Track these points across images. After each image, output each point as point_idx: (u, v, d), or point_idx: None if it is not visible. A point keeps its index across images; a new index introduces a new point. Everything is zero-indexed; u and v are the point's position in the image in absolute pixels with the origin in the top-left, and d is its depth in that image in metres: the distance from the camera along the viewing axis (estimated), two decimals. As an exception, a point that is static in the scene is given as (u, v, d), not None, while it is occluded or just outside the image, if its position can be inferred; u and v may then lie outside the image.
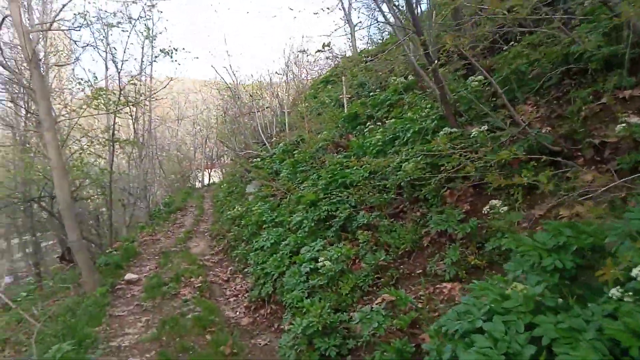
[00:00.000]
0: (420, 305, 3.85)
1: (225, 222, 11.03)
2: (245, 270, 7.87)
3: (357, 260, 4.99)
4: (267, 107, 18.94)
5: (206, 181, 34.14)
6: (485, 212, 3.81)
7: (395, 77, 10.48)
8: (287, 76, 21.29)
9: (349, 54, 20.25)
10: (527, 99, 5.31)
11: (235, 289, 7.25)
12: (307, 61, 21.58)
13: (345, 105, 10.81)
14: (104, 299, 6.75)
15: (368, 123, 8.52)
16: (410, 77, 9.12)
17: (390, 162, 5.29)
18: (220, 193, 16.41)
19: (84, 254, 7.52)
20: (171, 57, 10.39)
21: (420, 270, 4.47)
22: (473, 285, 2.81)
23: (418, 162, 4.91)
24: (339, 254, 4.73)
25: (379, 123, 8.27)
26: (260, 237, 7.20)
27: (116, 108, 9.35)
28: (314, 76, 23.26)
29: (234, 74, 19.31)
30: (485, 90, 5.89)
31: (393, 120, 7.78)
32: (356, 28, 18.28)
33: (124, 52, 10.08)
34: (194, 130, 31.28)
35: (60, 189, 7.39)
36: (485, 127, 4.56)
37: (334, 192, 6.21)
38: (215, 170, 35.40)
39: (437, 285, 4.05)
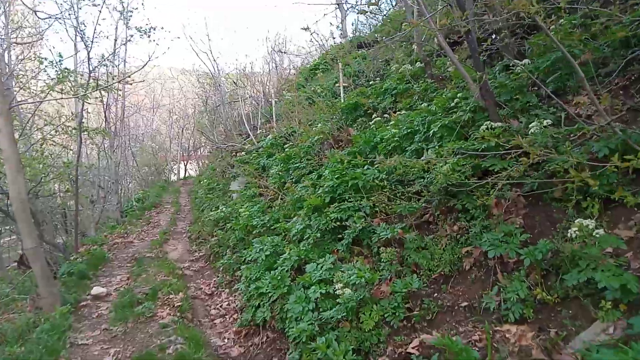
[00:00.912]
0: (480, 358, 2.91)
1: (206, 224, 9.93)
2: (233, 283, 6.85)
3: (381, 286, 4.02)
4: (249, 97, 17.77)
5: (182, 174, 32.67)
6: (572, 234, 2.88)
7: (397, 64, 9.54)
8: (269, 65, 20.16)
9: (338, 41, 19.24)
10: (580, 89, 4.43)
11: (221, 307, 6.21)
12: (290, 50, 20.49)
13: (342, 95, 9.81)
14: (64, 320, 5.61)
15: (374, 115, 7.54)
16: (418, 65, 8.17)
17: (421, 163, 4.31)
18: (200, 189, 15.21)
19: (42, 264, 6.33)
20: (148, 36, 9.18)
21: (465, 303, 3.53)
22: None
23: (456, 163, 3.96)
24: (360, 278, 3.75)
25: (386, 115, 7.31)
26: (251, 246, 6.16)
27: (85, 92, 8.10)
28: (297, 65, 22.17)
29: (215, 60, 17.99)
30: (521, 78, 4.96)
31: (404, 112, 6.86)
32: (347, 12, 17.23)
33: (94, 30, 8.79)
34: (170, 120, 29.76)
35: (13, 185, 6.17)
36: (549, 121, 3.63)
37: (343, 196, 5.22)
38: (191, 163, 33.96)
39: (497, 328, 3.12)
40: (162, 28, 9.47)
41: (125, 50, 15.42)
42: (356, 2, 19.47)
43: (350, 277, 3.87)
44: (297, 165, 8.23)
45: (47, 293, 6.26)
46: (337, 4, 17.18)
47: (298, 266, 5.07)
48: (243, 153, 11.93)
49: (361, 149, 6.55)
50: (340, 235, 5.02)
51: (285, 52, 20.15)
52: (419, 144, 5.13)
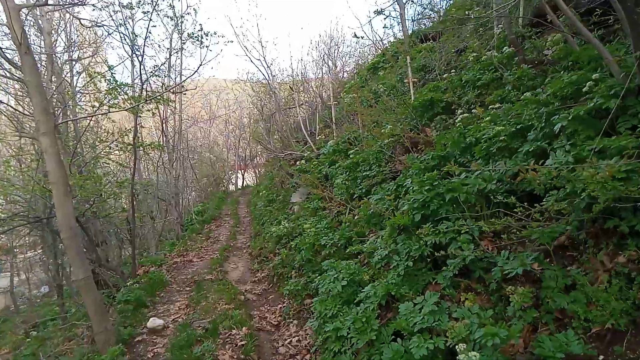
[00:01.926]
0: None
1: (268, 240, 9.14)
2: (301, 313, 5.94)
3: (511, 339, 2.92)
4: (305, 102, 17.00)
5: (240, 184, 32.61)
6: None
7: (475, 53, 8.33)
8: (322, 70, 19.32)
9: (396, 37, 18.08)
10: None
11: (290, 343, 5.31)
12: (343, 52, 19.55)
13: (412, 92, 8.71)
14: (116, 362, 4.94)
15: (458, 111, 6.41)
16: (506, 50, 6.94)
17: (552, 169, 3.16)
18: (258, 201, 14.57)
19: (94, 297, 5.74)
20: (201, 42, 8.55)
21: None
22: None
23: (618, 169, 2.79)
24: (492, 337, 2.67)
25: (473, 110, 6.15)
26: (322, 271, 5.23)
27: (135, 105, 7.57)
28: (350, 67, 21.18)
29: (269, 67, 17.40)
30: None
31: (498, 105, 5.69)
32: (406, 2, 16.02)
33: (145, 38, 8.27)
34: (227, 131, 29.72)
35: (61, 210, 5.62)
36: None
37: (438, 213, 4.16)
38: (248, 172, 33.88)
39: None
40: (215, 33, 8.77)
41: (181, 62, 15.14)
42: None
43: (471, 331, 2.81)
44: (367, 173, 7.25)
45: (100, 328, 5.65)
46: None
47: (388, 304, 4.06)
48: (302, 161, 11.09)
49: (448, 153, 5.46)
50: (437, 264, 3.97)
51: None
52: (537, 143, 3.97)
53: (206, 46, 8.30)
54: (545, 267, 3.12)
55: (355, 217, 6.68)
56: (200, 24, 8.71)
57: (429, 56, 11.07)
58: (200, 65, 7.81)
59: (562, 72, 5.37)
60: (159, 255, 11.19)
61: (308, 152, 11.79)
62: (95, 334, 5.68)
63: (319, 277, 5.84)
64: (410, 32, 15.96)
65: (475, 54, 8.31)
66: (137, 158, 9.29)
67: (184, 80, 9.70)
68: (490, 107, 5.74)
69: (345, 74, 20.90)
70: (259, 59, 17.15)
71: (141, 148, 9.72)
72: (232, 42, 13.76)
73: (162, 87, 11.13)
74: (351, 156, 8.46)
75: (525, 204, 3.45)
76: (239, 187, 31.41)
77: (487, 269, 3.59)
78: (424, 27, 16.11)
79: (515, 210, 3.65)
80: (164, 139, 14.66)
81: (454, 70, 8.55)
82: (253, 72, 38.56)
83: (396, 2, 16.37)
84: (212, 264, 9.28)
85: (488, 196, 4.08)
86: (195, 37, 8.86)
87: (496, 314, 3.12)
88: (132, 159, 8.63)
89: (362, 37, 18.42)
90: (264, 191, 14.20)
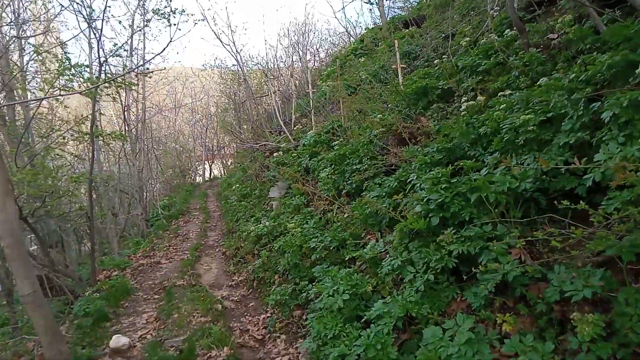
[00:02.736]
0: None
1: (245, 239, 8.37)
2: (290, 326, 5.25)
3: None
4: (278, 89, 16.15)
5: (207, 175, 31.42)
6: None
7: (468, 38, 7.78)
8: (291, 58, 18.47)
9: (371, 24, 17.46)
10: None
11: (279, 363, 4.62)
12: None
13: (400, 79, 8.09)
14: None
15: (463, 98, 5.82)
16: (509, 32, 6.39)
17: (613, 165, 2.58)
18: (230, 194, 13.69)
19: (44, 314, 4.85)
20: (168, 20, 7.60)
21: None
22: None
23: None
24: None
25: (478, 98, 5.56)
26: (318, 284, 4.55)
27: (94, 88, 6.61)
28: (323, 56, 20.45)
29: (239, 52, 16.41)
30: None
31: (509, 92, 5.13)
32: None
33: (104, 10, 7.22)
34: (193, 120, 28.45)
35: (2, 213, 4.71)
36: None
37: (460, 216, 3.53)
38: (216, 163, 32.71)
39: None
40: (184, 11, 7.83)
41: (144, 45, 13.92)
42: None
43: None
44: (357, 167, 6.58)
45: (53, 351, 4.78)
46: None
47: (405, 327, 3.42)
48: (279, 152, 10.33)
49: (455, 145, 4.86)
50: (460, 276, 3.36)
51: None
52: (576, 134, 3.40)
53: (174, 24, 7.37)
54: (615, 288, 2.54)
55: (347, 216, 6.02)
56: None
57: (414, 42, 10.50)
58: (170, 41, 6.84)
59: (581, 55, 4.85)
60: (122, 255, 10.23)
61: (285, 143, 11.04)
62: (46, 358, 4.82)
63: (309, 286, 5.20)
64: (388, 18, 15.38)
65: (467, 39, 7.77)
66: (96, 149, 8.28)
67: (149, 60, 8.72)
68: (500, 94, 5.17)
69: (317, 63, 20.17)
70: (228, 44, 16.18)
71: (100, 138, 8.72)
72: (203, 20, 12.59)
73: (123, 69, 10.10)
74: (336, 148, 7.80)
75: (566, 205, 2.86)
76: (207, 178, 30.22)
77: (528, 285, 3.00)
78: (402, 13, 15.57)
79: (557, 212, 3.08)
80: (126, 128, 13.53)
81: (445, 56, 7.97)
82: (222, 59, 37.21)
83: (374, -14, 15.75)
84: (183, 265, 8.43)
85: (519, 197, 3.50)
86: (162, 14, 7.90)
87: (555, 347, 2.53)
88: (90, 150, 7.61)
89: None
90: (236, 185, 13.33)
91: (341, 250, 5.35)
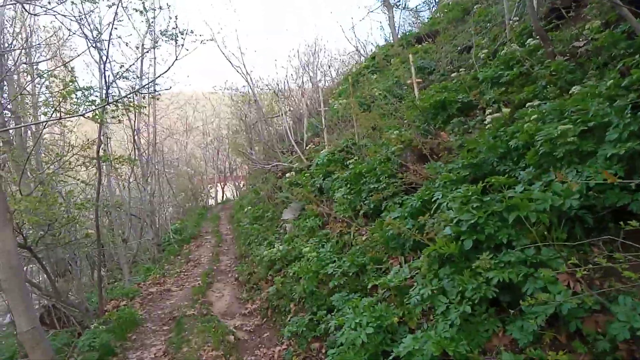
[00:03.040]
0: None
1: (258, 264, 8.01)
2: (307, 359, 4.85)
3: None
4: (290, 110, 15.97)
5: (220, 197, 31.22)
6: None
7: (487, 50, 7.49)
8: (301, 79, 18.31)
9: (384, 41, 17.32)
10: None
11: (298, 404, 4.20)
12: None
13: (416, 93, 7.79)
14: None
15: (487, 110, 5.48)
16: (532, 42, 6.08)
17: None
18: (242, 217, 13.38)
19: (44, 350, 4.54)
20: (175, 41, 7.43)
21: None
22: None
23: None
24: None
25: (504, 109, 5.21)
26: (338, 315, 4.18)
27: (98, 109, 6.41)
28: (334, 75, 20.29)
29: (249, 74, 16.28)
30: None
31: (537, 103, 4.79)
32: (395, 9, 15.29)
33: (110, 34, 7.05)
34: (205, 142, 28.43)
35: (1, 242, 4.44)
36: None
37: (497, 239, 3.16)
38: (228, 185, 32.56)
39: None
40: (192, 32, 7.68)
41: (154, 68, 13.86)
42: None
43: None
44: (374, 186, 6.24)
45: (53, 392, 4.44)
46: (383, 1, 15.27)
47: (442, 366, 3.02)
48: (292, 173, 10.03)
49: (482, 160, 4.50)
50: (499, 304, 2.96)
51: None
52: (625, 144, 3.03)
53: (181, 45, 7.18)
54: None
55: (365, 239, 5.65)
56: (175, 20, 7.47)
57: (427, 57, 10.25)
58: (176, 59, 6.60)
59: (614, 62, 4.52)
60: (132, 282, 9.91)
61: (297, 163, 10.75)
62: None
63: (328, 316, 4.81)
64: (399, 35, 15.21)
65: (486, 51, 7.48)
66: (103, 174, 8.05)
67: (155, 80, 8.53)
68: (528, 104, 4.82)
69: (328, 82, 20.04)
70: (238, 66, 16.07)
71: (108, 162, 8.51)
72: (212, 40, 12.41)
73: (133, 94, 9.96)
74: (351, 166, 7.47)
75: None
76: (219, 201, 30.03)
77: (584, 318, 2.60)
78: (413, 29, 15.40)
79: (606, 232, 2.70)
80: (137, 152, 13.38)
81: (462, 69, 7.67)
82: (232, 82, 37.42)
83: (384, 5, 15.65)
84: (194, 293, 8.07)
85: (562, 215, 3.13)
86: (170, 35, 7.74)
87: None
88: (98, 175, 7.37)
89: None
90: (248, 207, 13.02)
91: (361, 276, 4.98)
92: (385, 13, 15.70)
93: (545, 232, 3.06)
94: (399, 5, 16.01)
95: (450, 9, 12.51)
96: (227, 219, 19.48)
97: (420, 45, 11.61)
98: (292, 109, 16.30)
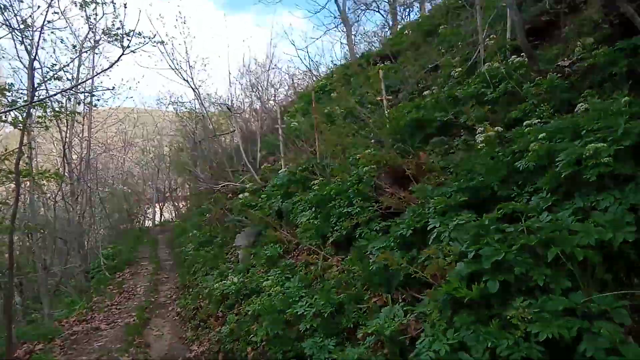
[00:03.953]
0: None
1: (206, 298, 7.01)
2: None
3: None
4: (241, 127, 15.10)
5: (158, 219, 29.29)
6: None
7: (459, 69, 7.14)
8: (252, 97, 17.58)
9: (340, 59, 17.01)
10: None
11: None
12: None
13: (387, 111, 7.27)
14: None
15: (480, 129, 4.94)
16: (516, 58, 5.73)
17: None
18: (186, 241, 12.18)
19: None
20: (121, 42, 6.47)
21: None
22: None
23: None
24: None
25: (497, 128, 4.72)
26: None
27: (25, 118, 5.30)
28: (284, 95, 19.73)
29: (197, 89, 15.17)
30: None
31: (536, 122, 4.35)
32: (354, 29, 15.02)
33: (42, 26, 5.95)
34: (144, 160, 26.70)
35: None
36: None
37: (528, 279, 2.53)
38: (167, 206, 30.66)
39: None
40: (140, 34, 6.74)
41: (92, 80, 12.41)
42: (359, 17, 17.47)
43: None
44: (346, 210, 5.54)
45: None
46: (342, 19, 14.97)
47: None
48: (245, 194, 9.14)
49: (479, 183, 3.93)
50: None
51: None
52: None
53: (128, 47, 6.23)
54: None
55: (339, 272, 4.91)
56: (119, 20, 6.48)
57: (392, 76, 9.88)
58: (123, 53, 5.64)
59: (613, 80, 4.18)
60: (53, 317, 8.47)
61: (251, 183, 9.88)
62: None
63: None
64: (357, 54, 14.93)
65: (459, 69, 7.12)
66: (24, 190, 6.78)
67: (99, 74, 7.41)
68: (525, 123, 4.36)
69: (279, 101, 19.44)
70: (186, 80, 14.98)
71: (29, 179, 7.25)
72: (161, 43, 11.28)
73: (66, 101, 8.76)
74: (316, 188, 6.76)
75: None
76: (157, 222, 28.14)
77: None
78: (373, 49, 15.16)
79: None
80: (67, 167, 11.91)
81: (435, 88, 7.26)
82: (178, 96, 35.74)
83: (342, 23, 15.36)
84: (128, 332, 6.88)
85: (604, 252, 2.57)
86: (114, 35, 6.77)
87: None
88: (16, 192, 6.12)
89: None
90: (193, 230, 11.86)
91: (337, 317, 4.21)
92: (343, 31, 15.41)
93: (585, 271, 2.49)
94: (358, 22, 15.81)
95: (413, 29, 12.39)
96: (166, 242, 18.03)
97: (382, 65, 11.26)
98: (244, 126, 15.44)
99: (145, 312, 8.04)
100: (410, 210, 4.45)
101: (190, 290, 8.60)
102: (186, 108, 18.74)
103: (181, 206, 28.97)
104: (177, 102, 18.55)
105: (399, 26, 16.81)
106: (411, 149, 5.88)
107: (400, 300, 3.83)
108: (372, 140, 7.12)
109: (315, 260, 5.52)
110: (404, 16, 19.54)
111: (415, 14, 18.83)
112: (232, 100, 15.31)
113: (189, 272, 9.39)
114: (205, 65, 14.58)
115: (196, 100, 15.63)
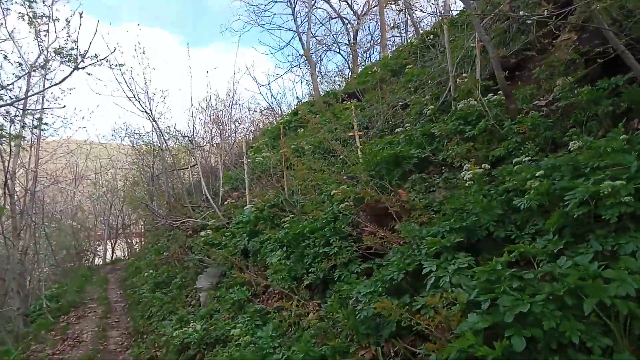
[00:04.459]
0: None
1: (164, 346, 6.31)
2: None
3: None
4: (203, 160, 14.54)
5: (109, 256, 27.60)
6: None
7: (432, 106, 7.06)
8: (211, 132, 17.11)
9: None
10: None
11: None
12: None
13: (359, 146, 7.05)
14: None
15: (467, 166, 4.72)
16: (493, 96, 5.67)
17: None
18: (140, 281, 11.28)
19: None
20: (75, 62, 5.97)
21: None
22: None
23: None
24: None
25: (484, 165, 4.52)
26: None
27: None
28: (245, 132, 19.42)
29: (156, 121, 14.51)
30: None
31: (525, 158, 4.19)
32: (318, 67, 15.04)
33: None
34: (96, 194, 25.32)
35: None
36: None
37: (565, 337, 2.22)
38: (119, 243, 28.99)
39: None
40: (96, 56, 6.26)
41: (42, 102, 11.61)
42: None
43: None
44: (322, 250, 5.16)
45: None
46: (306, 56, 14.98)
47: None
48: (208, 231, 8.56)
49: (472, 223, 3.67)
50: None
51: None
52: None
53: (82, 68, 5.75)
54: None
55: (317, 319, 4.45)
56: (73, 40, 5.97)
57: (361, 113, 9.80)
58: (75, 69, 5.15)
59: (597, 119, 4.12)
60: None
61: (213, 220, 9.32)
62: None
63: None
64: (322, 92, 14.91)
65: (431, 107, 7.04)
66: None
67: (47, 88, 6.76)
68: (515, 160, 4.20)
69: (241, 136, 19.08)
70: (145, 111, 14.35)
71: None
72: (119, 66, 10.68)
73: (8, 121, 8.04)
74: (286, 225, 6.35)
75: None
76: (108, 260, 26.47)
77: None
78: (335, 87, 15.22)
79: None
80: (8, 199, 10.91)
81: (407, 125, 7.13)
82: (134, 128, 34.59)
83: (306, 61, 15.38)
84: (71, 390, 6.07)
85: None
86: (66, 54, 6.27)
87: None
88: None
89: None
90: (148, 270, 11.01)
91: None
92: (307, 69, 15.41)
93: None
94: (320, 61, 15.90)
95: (378, 69, 12.52)
96: (117, 282, 16.80)
97: (348, 102, 11.20)
98: (203, 161, 14.87)
99: (91, 364, 7.17)
100: (396, 252, 4.14)
101: (145, 337, 7.80)
102: (144, 141, 18.04)
103: (135, 243, 27.52)
104: (134, 134, 17.77)
105: (359, 67, 17.14)
106: (389, 186, 5.63)
107: (391, 354, 3.45)
108: (345, 177, 6.86)
109: (289, 307, 5.04)
110: (364, 58, 20.06)
111: (376, 56, 19.39)
112: (193, 134, 14.78)
113: (143, 316, 8.57)
114: (164, 98, 14.04)
115: (154, 133, 14.94)
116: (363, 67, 15.24)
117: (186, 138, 14.43)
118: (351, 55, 19.75)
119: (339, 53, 19.00)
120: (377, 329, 3.63)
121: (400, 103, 8.52)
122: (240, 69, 53.11)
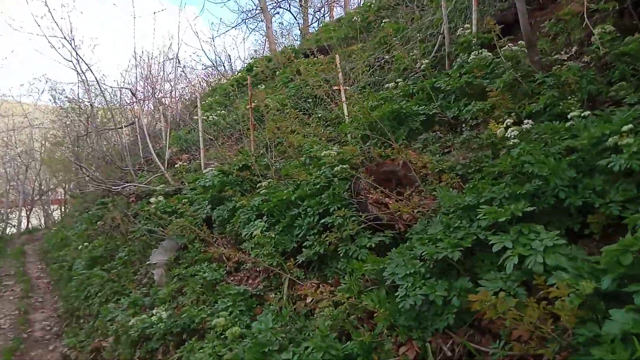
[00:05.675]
0: None
1: (113, 335, 5.19)
2: None
3: None
4: (132, 123, 12.90)
5: (24, 226, 24.81)
6: None
7: (427, 60, 6.33)
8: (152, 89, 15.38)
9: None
10: None
11: None
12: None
13: (345, 105, 6.16)
14: None
15: (508, 120, 3.95)
16: (516, 48, 4.98)
17: None
18: (71, 256, 9.72)
19: None
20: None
21: None
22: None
23: None
24: None
25: (529, 122, 3.82)
26: None
27: None
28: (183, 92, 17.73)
29: (84, 73, 12.53)
30: None
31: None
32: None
33: None
34: (8, 156, 22.43)
35: None
36: None
37: None
38: (36, 211, 26.13)
39: None
40: None
41: None
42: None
43: None
44: (318, 219, 4.31)
45: None
46: (262, 7, 13.59)
47: None
48: (159, 198, 7.34)
49: (535, 187, 2.98)
50: None
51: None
52: None
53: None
54: None
55: (323, 304, 3.59)
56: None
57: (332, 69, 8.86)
58: None
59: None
60: None
61: (162, 185, 8.07)
62: None
63: None
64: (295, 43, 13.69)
65: (426, 61, 6.29)
66: None
67: None
68: (571, 115, 3.53)
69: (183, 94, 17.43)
70: (70, 60, 12.33)
71: None
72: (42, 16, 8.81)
73: None
74: (263, 191, 5.40)
75: None
76: (23, 230, 23.77)
77: None
78: (292, 44, 14.04)
79: None
80: None
81: (400, 80, 6.32)
82: (56, 81, 30.88)
83: (261, 11, 14.03)
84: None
85: None
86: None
87: None
88: None
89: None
90: (80, 242, 9.45)
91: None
92: (262, 21, 14.06)
93: None
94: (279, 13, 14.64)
95: (343, 25, 11.60)
96: (37, 255, 14.88)
97: (314, 59, 10.19)
98: (147, 118, 13.23)
99: (14, 356, 5.87)
100: (428, 223, 3.39)
101: (82, 321, 6.57)
102: (67, 97, 15.77)
103: (53, 211, 25.00)
104: (54, 89, 15.50)
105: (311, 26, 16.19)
106: (395, 147, 4.83)
107: (443, 350, 2.72)
108: (329, 136, 6.01)
109: (273, 284, 4.18)
110: (316, 18, 19.01)
111: (325, 17, 18.41)
112: (131, 89, 13.01)
113: (78, 297, 7.25)
114: (94, 47, 12.15)
115: (81, 86, 13.01)
116: (322, 25, 14.15)
117: (127, 90, 12.59)
118: (302, 14, 18.60)
119: (289, 11, 17.68)
120: (420, 320, 2.87)
121: (379, 58, 7.70)
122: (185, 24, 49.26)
